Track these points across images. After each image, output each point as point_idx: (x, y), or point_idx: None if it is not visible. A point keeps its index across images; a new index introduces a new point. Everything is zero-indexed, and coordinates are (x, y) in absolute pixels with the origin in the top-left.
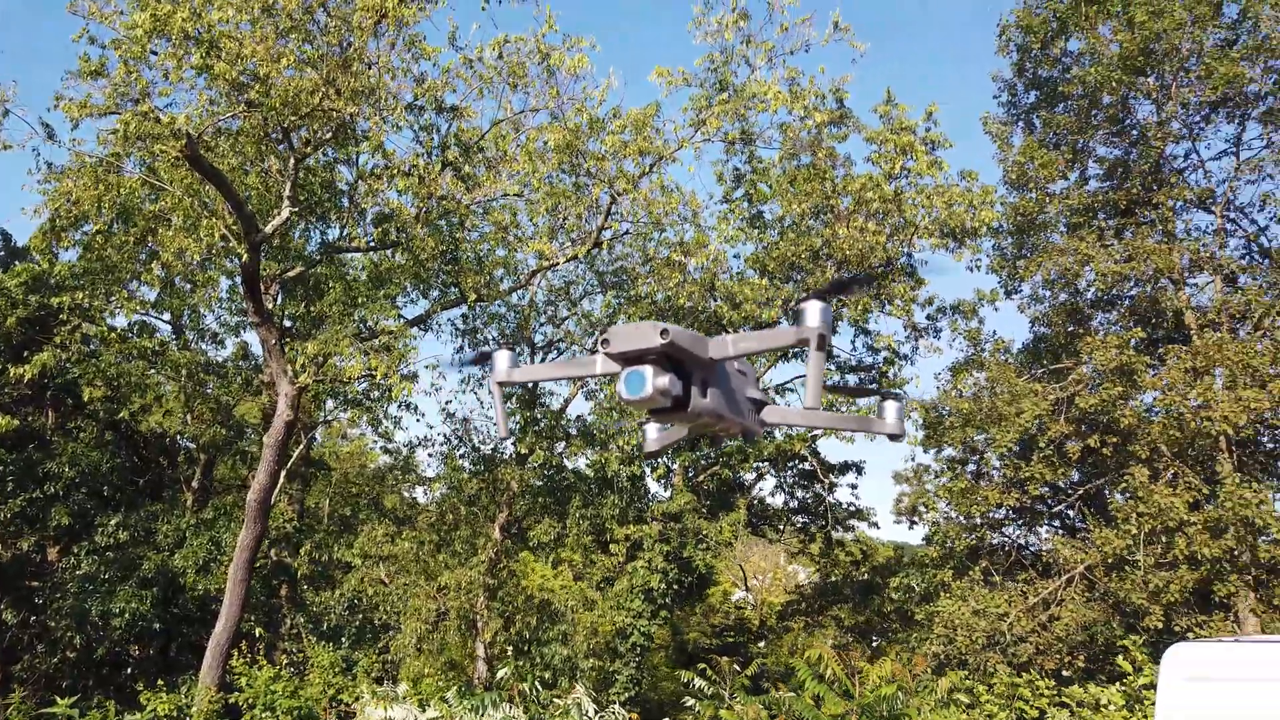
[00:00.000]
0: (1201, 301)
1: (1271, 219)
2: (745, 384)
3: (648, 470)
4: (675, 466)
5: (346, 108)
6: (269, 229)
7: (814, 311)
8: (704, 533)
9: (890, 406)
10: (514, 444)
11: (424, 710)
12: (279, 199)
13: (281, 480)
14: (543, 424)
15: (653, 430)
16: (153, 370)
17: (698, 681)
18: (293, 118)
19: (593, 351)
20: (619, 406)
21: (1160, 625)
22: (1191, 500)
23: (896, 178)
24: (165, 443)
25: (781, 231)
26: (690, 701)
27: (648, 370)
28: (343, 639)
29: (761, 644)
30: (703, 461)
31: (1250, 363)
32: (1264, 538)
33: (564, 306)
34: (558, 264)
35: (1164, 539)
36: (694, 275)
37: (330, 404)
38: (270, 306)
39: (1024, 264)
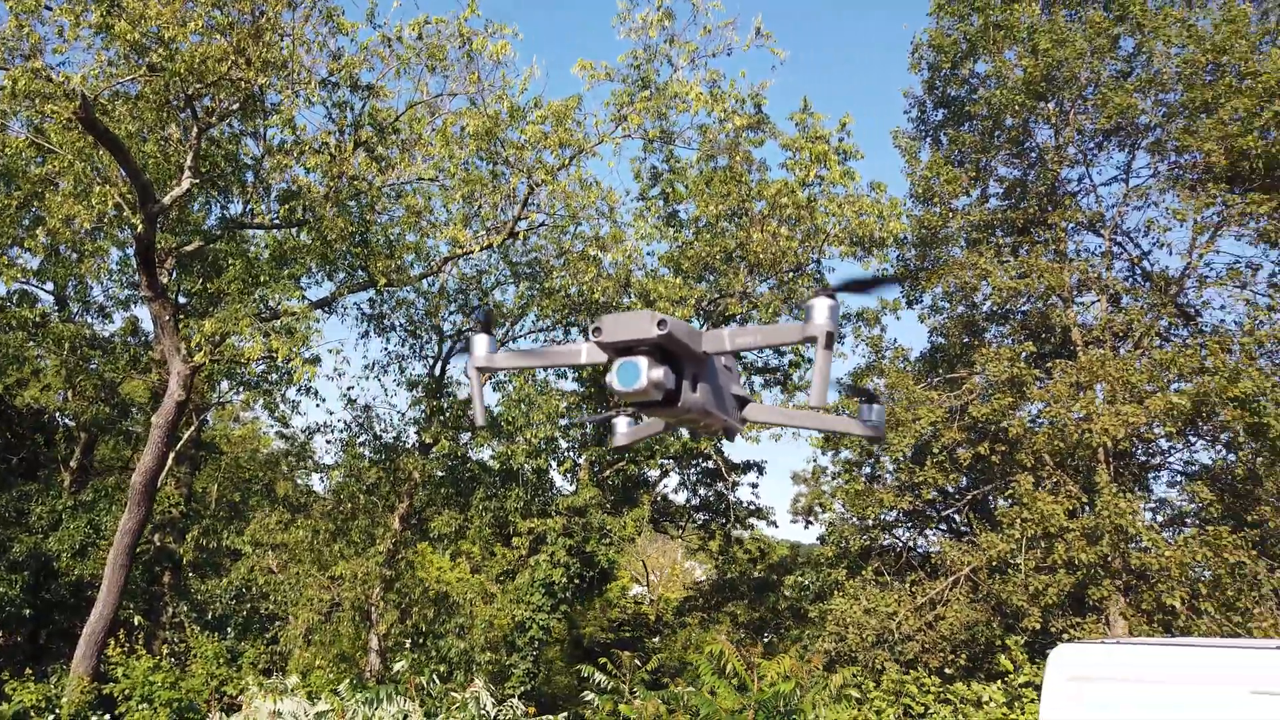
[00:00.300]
0: (1087, 319)
1: (1154, 244)
2: (730, 380)
3: (553, 464)
4: (582, 461)
5: (256, 79)
6: (167, 200)
7: (822, 309)
8: (608, 528)
9: (871, 409)
10: (417, 433)
11: (314, 703)
12: (179, 169)
13: (170, 463)
14: (448, 414)
15: (623, 424)
16: (32, 342)
17: (597, 676)
18: (198, 85)
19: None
20: (528, 399)
21: (1038, 626)
22: (1071, 508)
23: (810, 185)
24: (43, 420)
25: (696, 231)
26: (589, 696)
27: (642, 362)
28: (228, 629)
29: (656, 639)
30: (609, 457)
31: (1129, 379)
32: (1134, 545)
33: (475, 295)
34: (471, 252)
35: (1044, 544)
36: (608, 270)
37: (225, 385)
38: (164, 281)
39: (926, 275)
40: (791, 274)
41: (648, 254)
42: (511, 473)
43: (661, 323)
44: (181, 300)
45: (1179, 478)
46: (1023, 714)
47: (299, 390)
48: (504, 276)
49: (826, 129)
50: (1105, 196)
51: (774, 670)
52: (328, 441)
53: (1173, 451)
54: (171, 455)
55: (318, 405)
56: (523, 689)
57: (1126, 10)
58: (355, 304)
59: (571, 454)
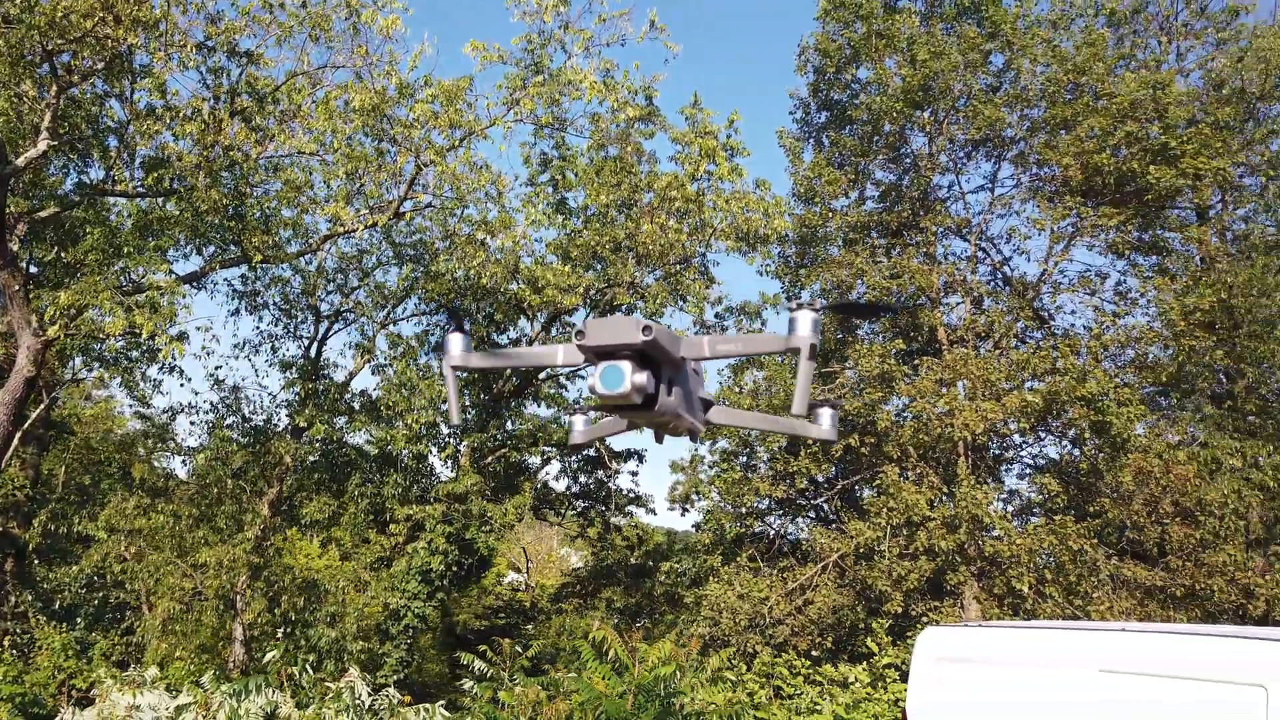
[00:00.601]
0: (952, 320)
1: (1015, 251)
2: (698, 384)
3: (434, 450)
4: (463, 448)
5: (125, 37)
6: (20, 161)
7: (805, 321)
8: (489, 515)
9: (824, 413)
10: (290, 416)
11: (175, 696)
12: (34, 130)
13: (15, 443)
14: (325, 397)
15: (580, 422)
16: None
17: (476, 663)
18: (59, 41)
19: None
20: (410, 383)
21: (900, 610)
22: (932, 498)
23: (699, 180)
24: None
25: (586, 220)
26: (466, 683)
27: (626, 366)
28: (78, 619)
29: (531, 626)
30: (490, 443)
31: (989, 377)
32: (988, 534)
33: (355, 276)
34: (353, 231)
35: (906, 532)
36: (496, 256)
37: (78, 361)
38: (15, 249)
39: (805, 272)
40: (679, 266)
41: (536, 241)
42: (390, 458)
43: (646, 329)
44: (33, 270)
45: (1028, 470)
46: (885, 693)
47: (161, 369)
48: (386, 257)
49: (715, 125)
50: (973, 204)
51: (654, 654)
52: (192, 423)
53: (1024, 446)
54: (18, 435)
55: (182, 385)
56: (395, 677)
57: (998, 28)
58: (226, 280)
59: (453, 440)
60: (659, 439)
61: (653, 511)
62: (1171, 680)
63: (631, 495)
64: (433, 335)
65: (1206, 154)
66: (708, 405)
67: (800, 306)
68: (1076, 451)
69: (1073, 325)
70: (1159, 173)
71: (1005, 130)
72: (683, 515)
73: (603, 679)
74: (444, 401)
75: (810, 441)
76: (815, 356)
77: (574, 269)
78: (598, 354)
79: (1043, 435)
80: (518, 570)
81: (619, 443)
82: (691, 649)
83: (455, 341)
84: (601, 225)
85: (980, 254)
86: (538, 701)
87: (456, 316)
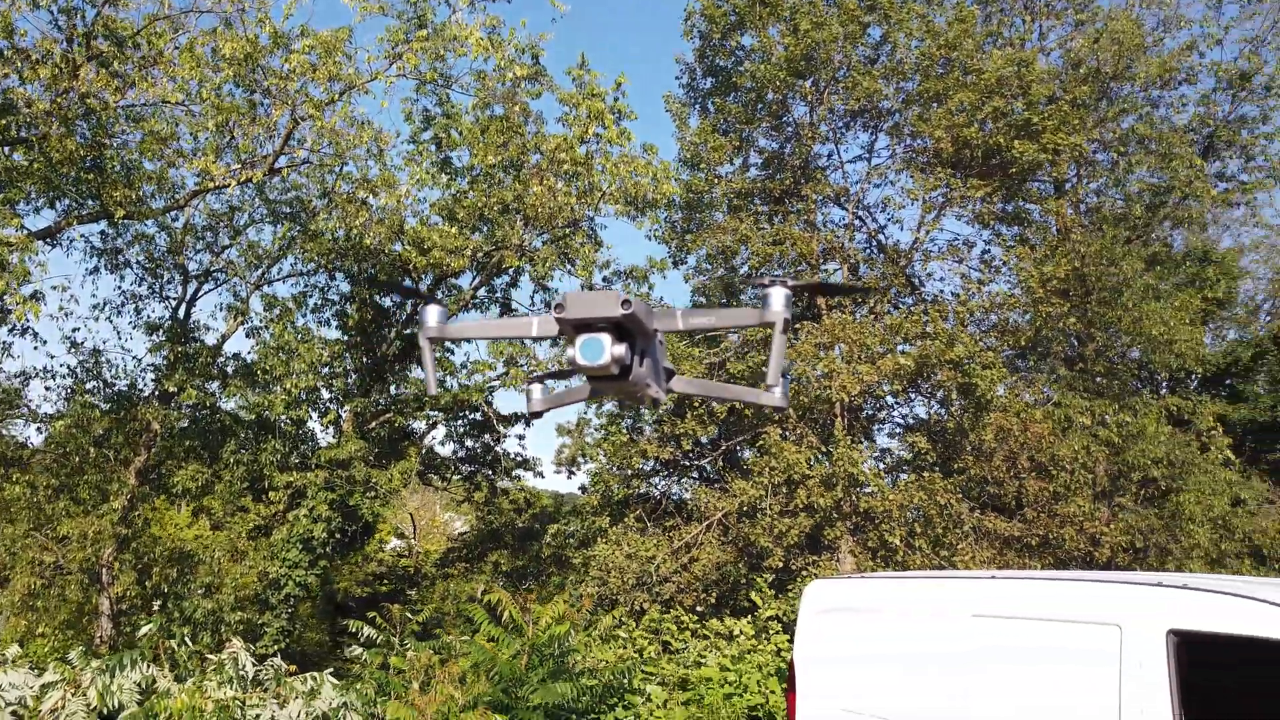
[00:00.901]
0: None
1: (889, 219)
2: (662, 354)
3: (314, 415)
4: (345, 412)
5: None
6: None
7: (779, 297)
8: (373, 481)
9: (779, 382)
10: (157, 381)
11: (39, 675)
12: None
13: None
14: (195, 361)
15: (538, 390)
16: None
17: (366, 630)
18: None
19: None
20: (288, 346)
21: (780, 565)
22: (811, 457)
23: (588, 142)
24: None
25: (472, 180)
26: (355, 650)
27: (606, 339)
28: None
29: (414, 592)
30: (373, 408)
31: (865, 341)
32: (863, 490)
33: (226, 234)
34: (224, 187)
35: (786, 490)
36: (379, 215)
37: None
38: None
39: (691, 238)
40: (568, 230)
41: (421, 201)
42: (267, 424)
43: (626, 303)
44: None
45: (898, 429)
46: (768, 644)
47: (13, 331)
48: (261, 215)
49: (603, 88)
50: (851, 173)
51: (547, 615)
52: (48, 388)
53: (896, 406)
54: None
55: (36, 348)
56: (277, 648)
57: (875, 2)
58: (84, 236)
59: (335, 405)
60: (621, 406)
61: (540, 475)
62: (1037, 622)
63: (519, 459)
64: (311, 297)
65: (1065, 130)
66: (670, 374)
67: (773, 283)
68: (944, 411)
69: (941, 291)
70: (1022, 147)
71: (882, 102)
72: (569, 478)
73: (496, 641)
74: (324, 364)
75: (695, 404)
76: (789, 330)
77: (461, 231)
78: (576, 326)
79: (913, 396)
80: (402, 536)
81: (507, 406)
82: (584, 608)
83: (432, 313)
84: (489, 186)
85: (858, 222)
86: (430, 665)
87: (413, 293)
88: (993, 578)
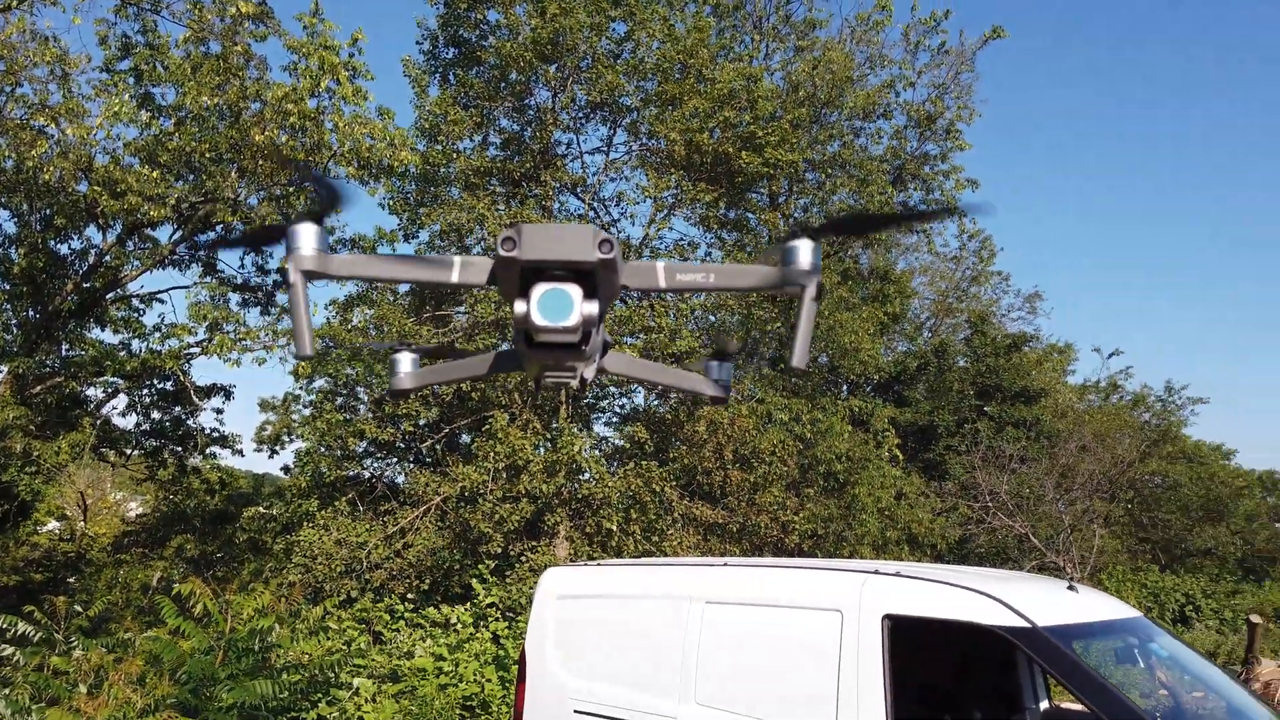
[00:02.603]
0: None
1: (623, 214)
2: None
3: None
4: (2, 373)
5: None
6: None
7: (807, 252)
8: (35, 454)
9: (722, 366)
10: None
11: None
12: None
13: None
14: None
15: (406, 362)
16: None
17: (20, 625)
18: None
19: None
20: None
21: (500, 550)
22: (536, 443)
23: (318, 96)
24: None
25: (178, 122)
26: (7, 650)
27: (575, 292)
28: None
29: (73, 579)
30: (39, 370)
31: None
32: (583, 477)
33: None
34: None
35: (506, 476)
36: (59, 148)
37: None
38: None
39: (425, 211)
40: (291, 188)
41: (116, 138)
42: None
43: (606, 244)
44: None
45: (614, 419)
46: (486, 631)
47: None
48: None
49: (338, 40)
50: (589, 164)
51: (249, 606)
52: None
53: (618, 396)
54: None
55: None
56: None
57: None
58: None
59: None
60: (537, 387)
61: (240, 453)
62: (767, 608)
63: (216, 435)
64: None
65: (785, 148)
66: (606, 348)
67: (798, 232)
68: (660, 403)
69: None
70: (748, 158)
71: (623, 98)
72: (271, 457)
73: (185, 635)
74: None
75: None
76: (821, 298)
77: (164, 176)
78: (529, 271)
79: (634, 387)
80: (64, 518)
81: (204, 376)
82: (294, 598)
83: (307, 235)
84: (200, 131)
85: (593, 214)
86: (101, 666)
87: (329, 196)
88: (725, 564)
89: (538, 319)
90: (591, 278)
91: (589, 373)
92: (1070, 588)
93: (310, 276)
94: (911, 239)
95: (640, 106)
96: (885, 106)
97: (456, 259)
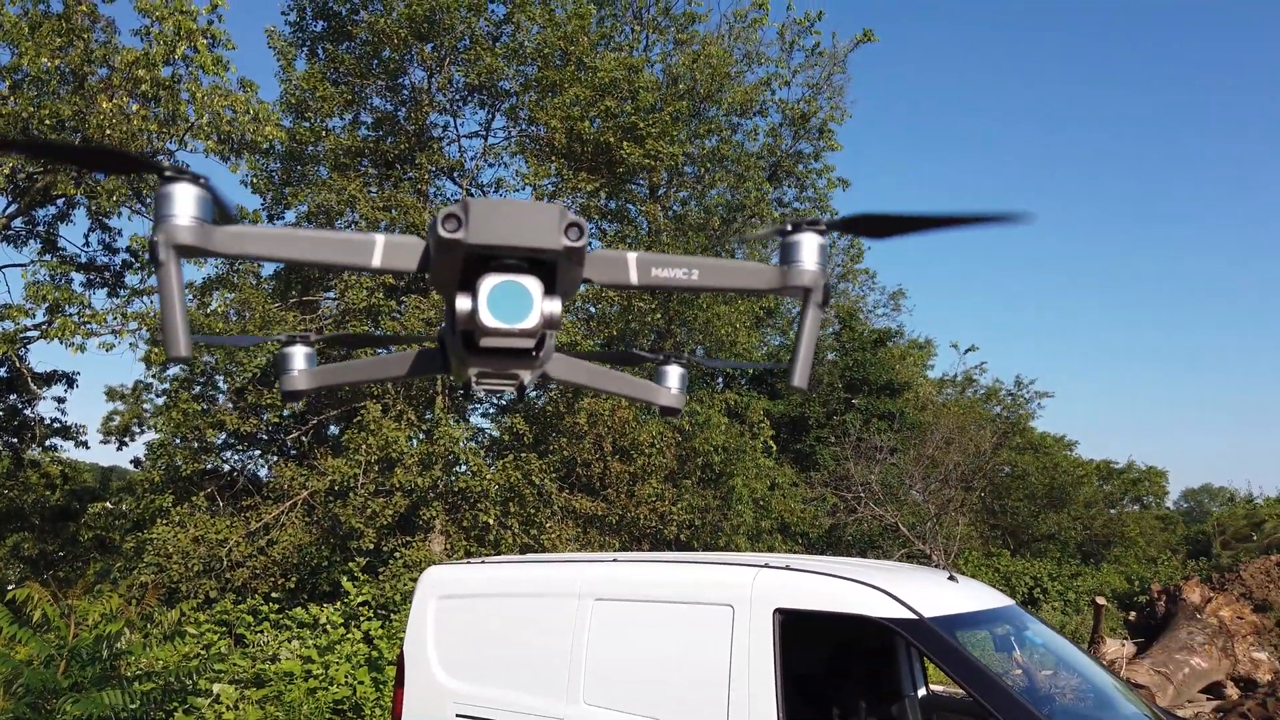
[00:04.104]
0: None
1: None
2: None
3: None
4: None
5: None
6: None
7: (812, 249)
8: None
9: (671, 372)
10: None
11: None
12: None
13: None
14: None
15: (301, 356)
16: None
17: None
18: None
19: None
20: None
21: (371, 546)
22: (410, 435)
23: (174, 64)
24: None
25: (14, 86)
26: None
27: (535, 286)
28: None
29: None
30: None
31: None
32: (460, 469)
33: None
34: None
35: (378, 469)
36: None
37: None
38: None
39: (291, 191)
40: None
41: None
42: None
43: (574, 228)
44: None
45: (491, 409)
46: (359, 631)
47: None
48: None
49: (195, 6)
50: (467, 148)
51: (96, 611)
52: None
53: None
54: None
55: None
56: None
57: None
58: None
59: None
60: (466, 392)
61: (84, 445)
62: (658, 604)
63: (56, 425)
64: None
65: (666, 140)
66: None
67: (800, 227)
68: (540, 393)
69: None
70: (630, 149)
71: (502, 82)
72: (120, 450)
73: (21, 643)
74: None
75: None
76: (827, 302)
77: None
78: (476, 259)
79: None
80: None
81: (43, 362)
82: (147, 601)
83: (185, 200)
84: (39, 95)
85: (470, 199)
86: None
87: (129, 162)
88: (614, 560)
89: (487, 319)
90: (552, 269)
91: (530, 378)
92: (951, 578)
93: (186, 254)
94: None
95: (520, 91)
96: (762, 104)
97: (379, 238)
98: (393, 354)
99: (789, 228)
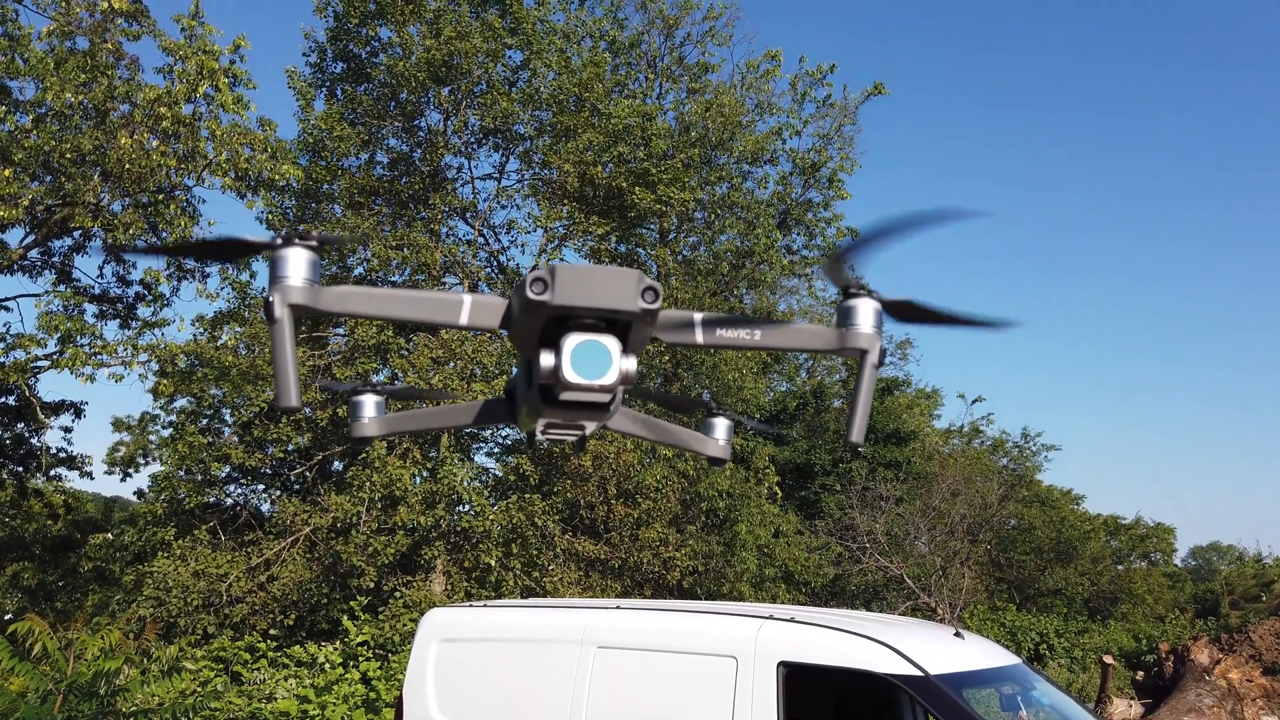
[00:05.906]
0: None
1: (512, 241)
2: None
3: None
4: None
5: None
6: None
7: (869, 313)
8: None
9: (719, 424)
10: None
11: None
12: None
13: None
14: None
15: (371, 405)
16: None
17: None
18: None
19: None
20: None
21: (372, 585)
22: (414, 473)
23: (195, 102)
24: None
25: (37, 119)
26: None
27: (614, 346)
28: None
29: None
30: None
31: (483, 359)
32: (463, 509)
33: None
34: None
35: (381, 507)
36: None
37: None
38: None
39: (306, 228)
40: (160, 196)
41: None
42: None
43: (650, 292)
44: None
45: (495, 449)
46: (357, 671)
47: None
48: None
49: (218, 46)
50: (480, 190)
51: (96, 645)
52: None
53: (499, 427)
54: None
55: None
56: None
57: (519, 25)
58: None
59: None
60: (530, 442)
61: (88, 475)
62: (663, 654)
63: (62, 455)
64: None
65: (677, 186)
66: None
67: (856, 293)
68: None
69: None
70: (641, 194)
71: (516, 126)
72: (124, 481)
73: (20, 676)
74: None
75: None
76: (882, 363)
77: (18, 175)
78: (559, 319)
79: None
80: None
81: (52, 392)
82: (146, 636)
83: (297, 262)
84: (61, 130)
85: (482, 240)
86: None
87: (243, 248)
88: (618, 608)
89: (570, 375)
90: (627, 328)
91: (594, 429)
92: (957, 634)
93: (298, 312)
94: (793, 281)
95: (534, 136)
96: (772, 152)
97: (467, 298)
98: (461, 404)
99: (849, 292)
